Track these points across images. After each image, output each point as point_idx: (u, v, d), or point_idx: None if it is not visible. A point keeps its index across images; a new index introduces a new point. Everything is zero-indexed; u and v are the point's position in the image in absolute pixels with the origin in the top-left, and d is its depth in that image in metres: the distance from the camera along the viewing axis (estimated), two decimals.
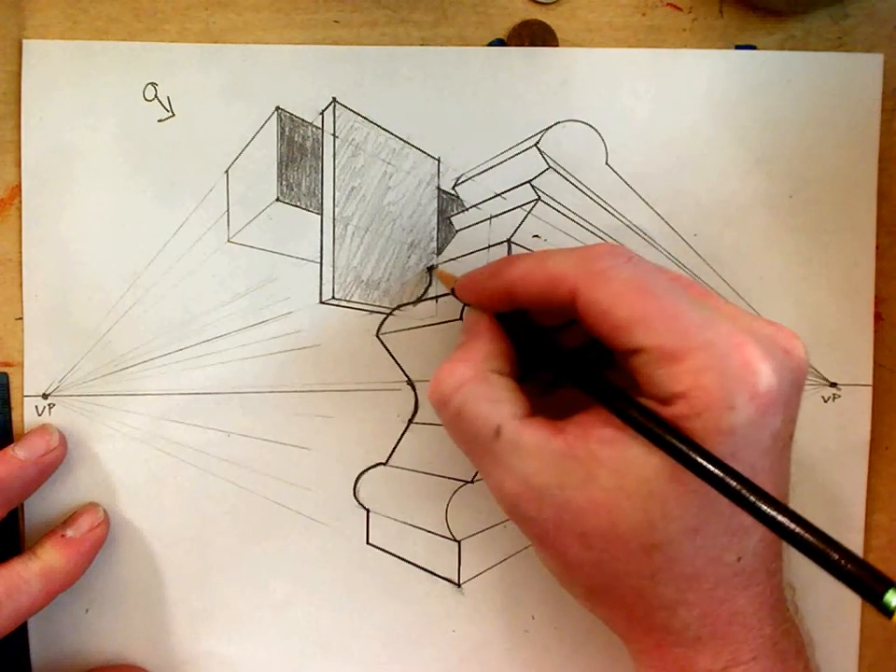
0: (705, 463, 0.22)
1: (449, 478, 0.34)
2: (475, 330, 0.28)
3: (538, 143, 0.33)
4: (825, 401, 0.35)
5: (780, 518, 0.21)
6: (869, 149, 0.34)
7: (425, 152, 0.33)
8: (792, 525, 0.21)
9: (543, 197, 0.34)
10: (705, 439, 0.23)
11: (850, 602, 0.35)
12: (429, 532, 0.34)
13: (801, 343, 0.26)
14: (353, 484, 0.34)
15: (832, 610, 0.35)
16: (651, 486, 0.24)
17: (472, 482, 0.34)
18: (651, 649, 0.27)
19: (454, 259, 0.34)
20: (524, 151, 0.33)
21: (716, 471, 0.22)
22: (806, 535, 0.21)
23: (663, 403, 0.24)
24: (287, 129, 0.33)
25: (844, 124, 0.34)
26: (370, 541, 0.34)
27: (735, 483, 0.22)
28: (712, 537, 0.24)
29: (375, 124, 0.33)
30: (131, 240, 0.33)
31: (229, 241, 0.33)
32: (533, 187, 0.33)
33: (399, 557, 0.34)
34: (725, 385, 0.23)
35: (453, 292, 0.31)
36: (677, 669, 0.26)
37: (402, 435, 0.34)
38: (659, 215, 0.34)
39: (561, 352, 0.27)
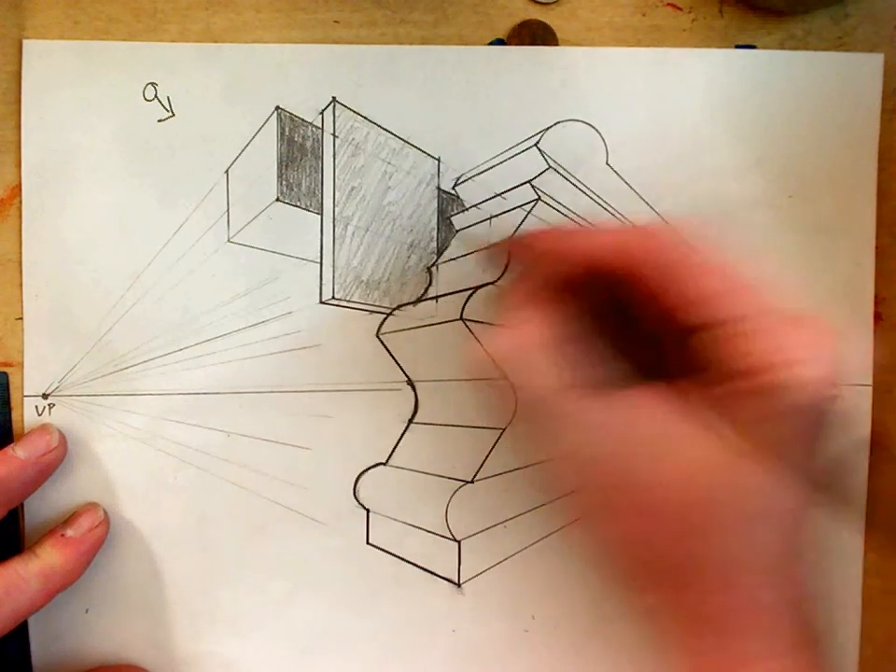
0: None
1: (449, 478, 0.34)
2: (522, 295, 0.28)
3: (538, 143, 0.33)
4: None
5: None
6: (869, 149, 0.34)
7: (425, 152, 0.33)
8: None
9: (543, 197, 0.34)
10: (810, 390, 0.23)
11: (851, 602, 0.35)
12: (429, 532, 0.34)
13: None
14: (353, 484, 0.34)
15: (832, 611, 0.35)
16: (721, 458, 0.24)
17: (472, 482, 0.34)
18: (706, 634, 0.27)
19: (453, 259, 0.34)
20: (524, 151, 0.33)
21: None
22: None
23: (740, 376, 0.24)
24: (286, 129, 0.33)
25: (844, 124, 0.34)
26: (370, 541, 0.34)
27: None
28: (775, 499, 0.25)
29: (375, 124, 0.33)
30: (131, 240, 0.33)
31: (229, 241, 0.33)
32: (533, 187, 0.33)
33: (399, 557, 0.34)
34: (816, 339, 0.24)
35: (496, 254, 0.30)
36: (728, 656, 0.26)
37: (402, 435, 0.34)
38: (659, 214, 0.34)
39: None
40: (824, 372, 0.23)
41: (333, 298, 0.33)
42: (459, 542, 0.34)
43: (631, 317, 0.28)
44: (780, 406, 0.23)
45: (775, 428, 0.24)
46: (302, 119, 0.33)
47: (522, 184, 0.34)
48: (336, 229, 0.33)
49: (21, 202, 0.32)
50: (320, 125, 0.33)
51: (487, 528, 0.34)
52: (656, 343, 0.28)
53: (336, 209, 0.33)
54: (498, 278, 0.33)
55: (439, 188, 0.34)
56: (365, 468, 0.34)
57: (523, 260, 0.30)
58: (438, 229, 0.34)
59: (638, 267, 0.26)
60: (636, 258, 0.26)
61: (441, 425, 0.34)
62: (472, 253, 0.34)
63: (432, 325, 0.34)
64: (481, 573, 0.34)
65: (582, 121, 0.34)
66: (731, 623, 0.25)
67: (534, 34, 0.33)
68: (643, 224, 0.27)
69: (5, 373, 0.33)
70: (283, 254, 0.33)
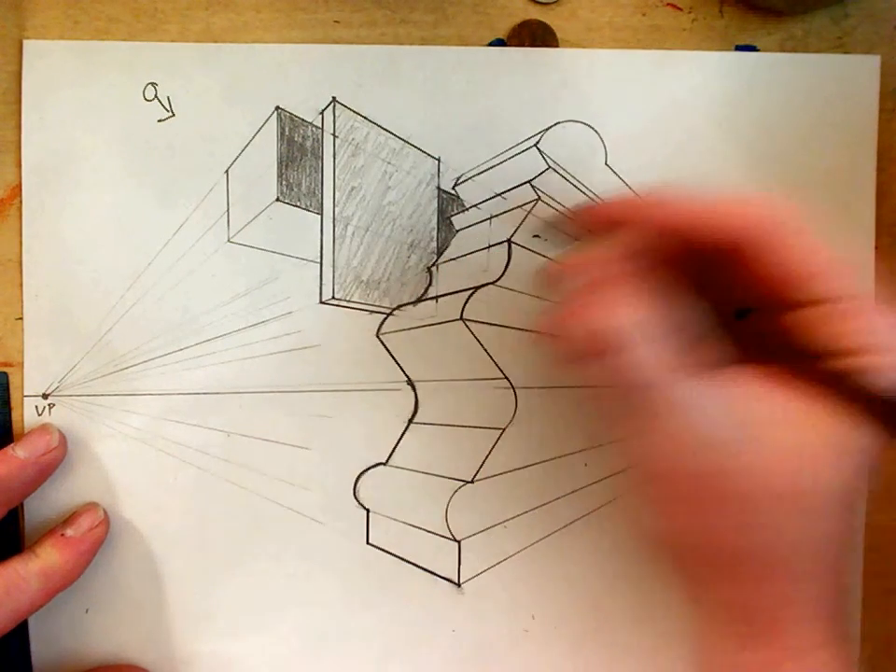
0: None
1: (449, 478, 0.34)
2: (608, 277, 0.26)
3: (538, 143, 0.33)
4: None
5: None
6: (867, 150, 0.34)
7: (425, 152, 0.33)
8: None
9: (543, 197, 0.34)
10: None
11: (852, 602, 0.35)
12: (429, 532, 0.34)
13: None
14: (353, 484, 0.34)
15: None
16: (846, 443, 0.24)
17: (472, 482, 0.34)
18: (773, 627, 0.26)
19: (453, 259, 0.34)
20: (524, 151, 0.33)
21: None
22: None
23: (840, 355, 0.24)
24: (286, 129, 0.33)
25: (842, 125, 0.34)
26: (370, 541, 0.34)
27: None
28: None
29: (375, 124, 0.33)
30: (131, 240, 0.33)
31: (229, 241, 0.33)
32: (533, 187, 0.34)
33: (399, 557, 0.34)
34: None
35: (567, 222, 0.29)
36: (772, 650, 0.26)
37: (402, 435, 0.34)
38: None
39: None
40: None
41: (333, 298, 0.33)
42: (459, 542, 0.34)
43: (723, 294, 0.27)
44: (873, 389, 0.23)
45: (865, 411, 0.23)
46: (302, 119, 0.33)
47: (522, 184, 0.34)
48: (336, 229, 0.33)
49: (21, 202, 0.32)
50: (320, 125, 0.33)
51: (487, 528, 0.34)
52: (748, 321, 0.27)
53: (336, 209, 0.33)
54: (499, 278, 0.33)
55: (439, 188, 0.34)
56: (365, 468, 0.34)
57: (602, 232, 0.27)
58: (438, 229, 0.34)
59: (739, 239, 0.25)
60: (737, 228, 0.25)
61: (441, 425, 0.34)
62: (472, 253, 0.34)
63: (432, 325, 0.34)
64: (481, 573, 0.34)
65: (582, 122, 0.34)
66: (779, 615, 0.25)
67: (534, 34, 0.33)
68: (742, 193, 0.25)
69: (5, 373, 0.33)
70: (283, 254, 0.33)
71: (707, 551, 0.26)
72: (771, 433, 0.24)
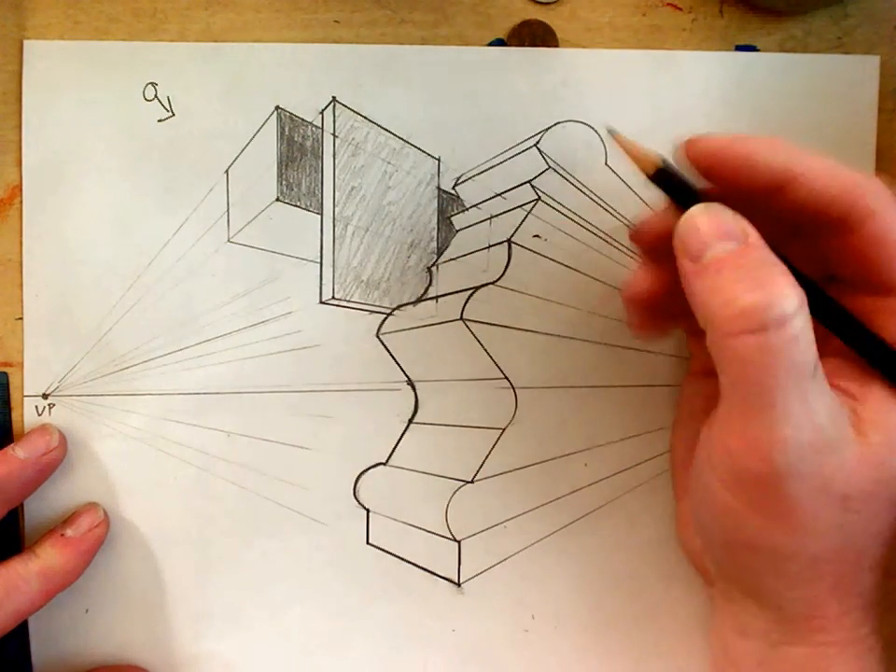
0: None
1: (449, 478, 0.34)
2: (756, 239, 0.24)
3: (538, 143, 0.33)
4: None
5: None
6: (866, 150, 0.34)
7: (425, 152, 0.33)
8: None
9: (543, 197, 0.34)
10: None
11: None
12: (429, 532, 0.34)
13: None
14: (353, 484, 0.34)
15: None
16: None
17: (472, 482, 0.34)
18: (844, 617, 0.25)
19: (454, 259, 0.34)
20: (524, 151, 0.33)
21: None
22: None
23: None
24: (286, 128, 0.33)
25: (841, 125, 0.34)
26: (370, 541, 0.34)
27: None
28: None
29: (375, 124, 0.33)
30: (131, 240, 0.33)
31: (229, 241, 0.33)
32: (533, 187, 0.34)
33: (399, 557, 0.34)
34: None
35: (655, 176, 0.26)
36: (861, 636, 0.25)
37: (402, 435, 0.34)
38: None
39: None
40: None
41: (333, 298, 0.33)
42: (459, 542, 0.34)
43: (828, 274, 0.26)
44: None
45: None
46: (302, 119, 0.33)
47: (522, 184, 0.34)
48: (336, 229, 0.33)
49: (21, 202, 0.32)
50: (320, 125, 0.33)
51: (487, 528, 0.34)
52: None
53: (336, 209, 0.33)
54: (499, 278, 0.33)
55: (439, 188, 0.34)
56: (365, 468, 0.34)
57: (709, 172, 0.25)
58: (438, 229, 0.34)
59: (845, 206, 0.24)
60: (846, 196, 0.24)
61: (441, 425, 0.34)
62: (472, 253, 0.34)
63: (432, 325, 0.34)
64: (481, 573, 0.34)
65: (582, 122, 0.34)
66: (822, 610, 0.25)
67: (534, 34, 0.33)
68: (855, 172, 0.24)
69: (5, 373, 0.33)
70: (283, 254, 0.33)
71: (756, 548, 0.25)
72: (863, 431, 0.24)
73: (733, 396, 0.24)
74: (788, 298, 0.22)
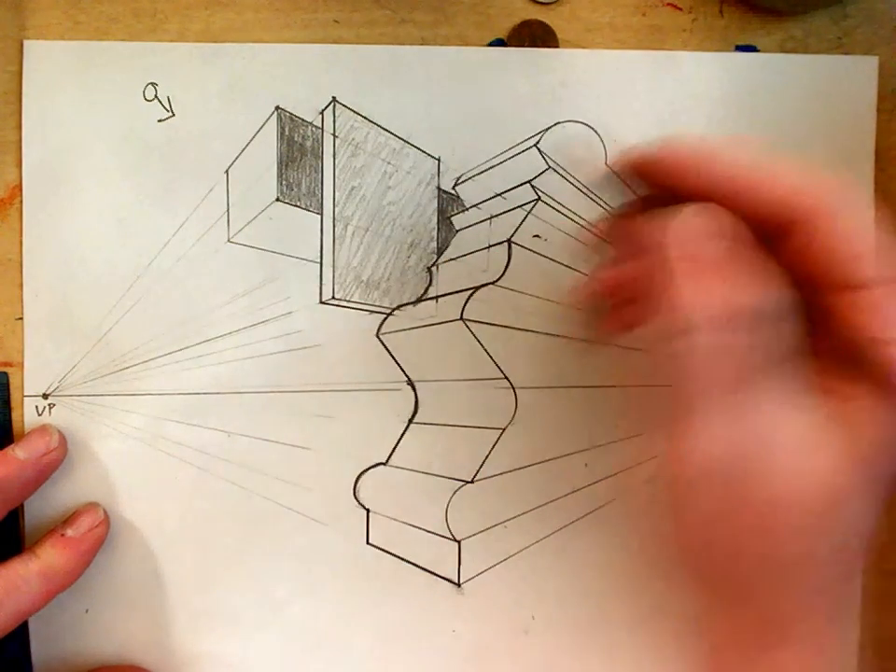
0: None
1: (449, 478, 0.34)
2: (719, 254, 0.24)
3: (538, 143, 0.33)
4: None
5: None
6: (865, 151, 0.34)
7: (425, 152, 0.33)
8: None
9: (543, 197, 0.34)
10: None
11: (851, 602, 0.35)
12: (429, 532, 0.34)
13: None
14: (353, 484, 0.34)
15: None
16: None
17: (472, 482, 0.34)
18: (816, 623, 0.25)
19: (453, 259, 0.34)
20: (524, 151, 0.33)
21: None
22: None
23: (875, 344, 0.23)
24: (286, 129, 0.33)
25: (841, 126, 0.34)
26: (370, 541, 0.34)
27: None
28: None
29: (375, 124, 0.33)
30: (131, 240, 0.33)
31: (229, 241, 0.33)
32: (533, 187, 0.34)
33: (399, 557, 0.34)
34: None
35: (617, 167, 0.27)
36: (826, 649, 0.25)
37: (402, 435, 0.34)
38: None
39: None
40: None
41: (333, 298, 0.33)
42: (459, 542, 0.34)
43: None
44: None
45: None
46: (302, 119, 0.33)
47: (522, 184, 0.34)
48: (336, 229, 0.33)
49: (21, 202, 0.32)
50: (320, 125, 0.33)
51: (487, 528, 0.34)
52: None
53: (336, 209, 0.33)
54: (499, 278, 0.33)
55: (439, 188, 0.34)
56: (365, 468, 0.34)
57: (654, 185, 0.26)
58: (438, 229, 0.34)
59: (794, 211, 0.23)
60: (793, 200, 0.23)
61: (441, 425, 0.34)
62: (472, 253, 0.34)
63: (432, 325, 0.34)
64: (481, 573, 0.34)
65: (582, 122, 0.34)
66: (796, 620, 0.25)
67: (534, 34, 0.33)
68: (794, 163, 0.24)
69: (5, 373, 0.33)
70: (283, 254, 0.33)
71: (728, 558, 0.25)
72: (801, 448, 0.23)
73: (669, 398, 0.24)
74: (705, 309, 0.22)
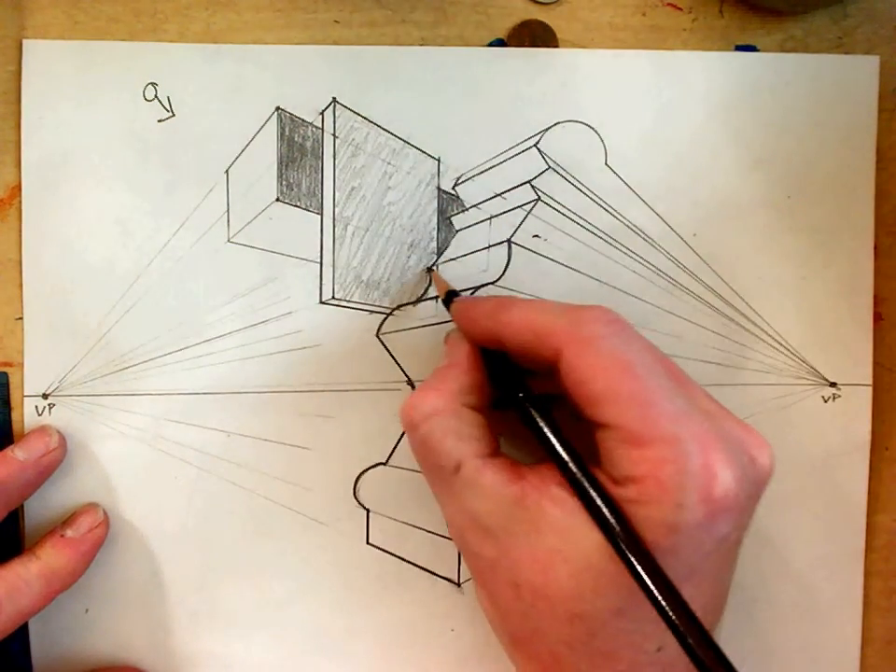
0: (628, 552, 0.22)
1: None
2: (455, 359, 0.29)
3: (538, 143, 0.33)
4: (825, 401, 0.35)
5: (689, 635, 0.21)
6: (866, 150, 0.34)
7: (425, 152, 0.33)
8: (695, 645, 0.21)
9: (543, 197, 0.34)
10: (647, 529, 0.23)
11: (852, 602, 0.35)
12: (429, 532, 0.34)
13: (770, 451, 0.26)
14: (353, 484, 0.34)
15: (832, 610, 0.35)
16: (590, 559, 0.24)
17: None
18: None
19: (454, 259, 0.34)
20: (524, 151, 0.33)
21: (636, 564, 0.22)
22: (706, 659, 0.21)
23: (616, 483, 0.24)
24: (286, 129, 0.33)
25: (841, 125, 0.34)
26: (370, 541, 0.34)
27: (651, 582, 0.22)
28: (636, 622, 0.24)
29: (375, 124, 0.33)
30: (131, 240, 0.33)
31: (229, 241, 0.33)
32: (533, 187, 0.34)
33: (399, 557, 0.34)
34: (681, 482, 0.22)
35: (445, 303, 0.31)
36: None
37: (402, 435, 0.34)
38: (658, 215, 0.34)
39: (530, 402, 0.26)
40: (660, 493, 0.23)
41: (333, 298, 0.33)
42: None
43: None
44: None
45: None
46: (302, 119, 0.33)
47: (522, 184, 0.34)
48: (336, 229, 0.33)
49: (21, 202, 0.32)
50: (320, 125, 0.33)
51: None
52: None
53: (336, 209, 0.33)
54: (499, 278, 0.33)
55: (439, 188, 0.34)
56: (365, 468, 0.34)
57: (457, 321, 0.30)
58: (438, 229, 0.34)
59: (545, 354, 0.25)
60: (541, 343, 0.26)
61: None
62: (472, 253, 0.34)
63: (432, 325, 0.34)
64: None
65: (582, 122, 0.34)
66: None
67: (534, 34, 0.33)
68: (550, 306, 0.27)
69: (5, 373, 0.33)
70: (283, 254, 0.33)
71: (505, 628, 0.27)
72: (540, 531, 0.25)
73: None
74: (416, 408, 0.27)
